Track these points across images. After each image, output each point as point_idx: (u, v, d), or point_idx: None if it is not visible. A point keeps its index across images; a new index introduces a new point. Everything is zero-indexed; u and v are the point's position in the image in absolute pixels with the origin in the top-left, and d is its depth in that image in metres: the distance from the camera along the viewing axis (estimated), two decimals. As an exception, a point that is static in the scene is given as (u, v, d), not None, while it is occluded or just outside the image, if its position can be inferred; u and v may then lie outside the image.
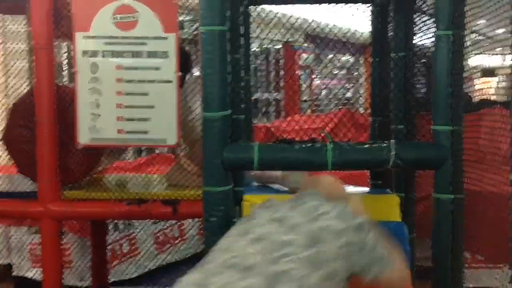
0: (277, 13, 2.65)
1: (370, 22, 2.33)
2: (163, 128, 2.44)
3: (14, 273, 4.16)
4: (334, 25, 3.46)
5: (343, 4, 2.43)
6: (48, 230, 2.51)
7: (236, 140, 2.08)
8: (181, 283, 1.34)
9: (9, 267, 4.19)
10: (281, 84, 10.08)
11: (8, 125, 2.63)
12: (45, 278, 2.52)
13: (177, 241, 4.49)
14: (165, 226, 4.35)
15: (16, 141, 2.60)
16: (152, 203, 2.46)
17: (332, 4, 2.45)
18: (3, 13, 3.36)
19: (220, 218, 1.96)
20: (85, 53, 2.43)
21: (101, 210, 2.53)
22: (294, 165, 1.73)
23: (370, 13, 2.33)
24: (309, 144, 1.73)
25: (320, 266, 1.31)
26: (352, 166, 1.72)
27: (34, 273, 4.13)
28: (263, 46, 8.78)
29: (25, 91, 2.68)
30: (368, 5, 2.32)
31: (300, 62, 10.62)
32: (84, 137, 2.47)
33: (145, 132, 2.46)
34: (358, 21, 2.48)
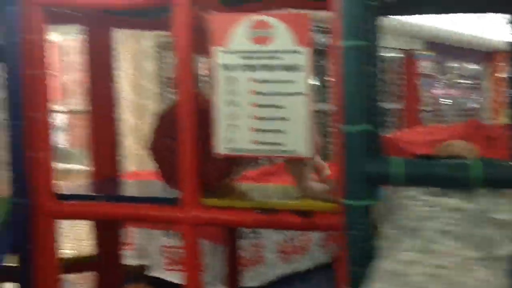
0: (397, 21, 2.60)
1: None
2: (296, 140, 2.48)
3: (149, 274, 4.42)
4: (457, 32, 3.34)
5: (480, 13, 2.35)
6: (189, 236, 2.63)
7: (375, 154, 2.07)
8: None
9: (144, 268, 4.47)
10: (401, 93, 9.83)
11: (154, 135, 2.80)
12: (187, 282, 2.63)
13: (301, 252, 4.53)
14: (290, 236, 4.41)
15: (161, 151, 2.77)
16: (285, 213, 2.50)
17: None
18: (140, 29, 3.61)
19: (362, 232, 1.96)
20: (222, 67, 2.54)
21: (238, 218, 2.61)
22: (440, 181, 1.69)
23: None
24: (455, 161, 1.68)
25: None
26: (505, 185, 1.64)
27: (167, 274, 4.37)
28: (383, 55, 8.62)
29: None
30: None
31: (421, 71, 10.28)
32: (221, 147, 2.58)
33: (279, 144, 2.51)
34: (484, 28, 2.38)
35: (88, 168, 3.33)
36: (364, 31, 2.01)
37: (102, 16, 3.10)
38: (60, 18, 3.00)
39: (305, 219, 2.42)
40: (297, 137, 2.48)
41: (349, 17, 2.00)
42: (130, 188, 3.25)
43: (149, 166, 2.96)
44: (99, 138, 3.27)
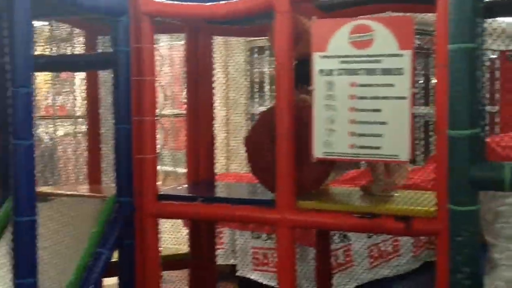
0: (491, 22, 2.54)
1: None
2: (396, 144, 2.48)
3: (238, 274, 4.53)
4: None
5: None
6: (284, 238, 2.68)
7: (480, 158, 2.04)
8: None
9: (233, 267, 4.58)
10: (495, 96, 9.44)
11: (253, 129, 2.88)
12: (281, 284, 2.68)
13: (391, 256, 4.48)
14: (380, 241, 4.37)
15: (256, 148, 2.84)
16: (384, 218, 2.50)
17: None
18: (237, 36, 3.72)
19: (467, 237, 1.93)
20: (321, 72, 2.58)
21: (333, 221, 2.64)
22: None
23: None
24: None
25: None
26: None
27: (256, 275, 4.45)
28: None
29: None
30: None
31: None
32: (318, 151, 2.61)
33: (377, 148, 2.52)
34: None
35: (185, 171, 3.47)
36: (471, 34, 1.99)
37: (204, 25, 3.23)
38: (164, 27, 3.15)
39: (405, 224, 2.41)
40: (396, 141, 2.47)
41: (457, 19, 1.98)
42: (226, 190, 3.35)
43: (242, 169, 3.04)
44: (196, 141, 3.40)
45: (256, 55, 5.95)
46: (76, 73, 5.08)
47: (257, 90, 6.15)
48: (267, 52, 5.72)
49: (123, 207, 2.90)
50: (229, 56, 5.46)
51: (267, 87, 5.98)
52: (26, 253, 2.38)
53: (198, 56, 3.30)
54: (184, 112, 3.48)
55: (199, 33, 3.33)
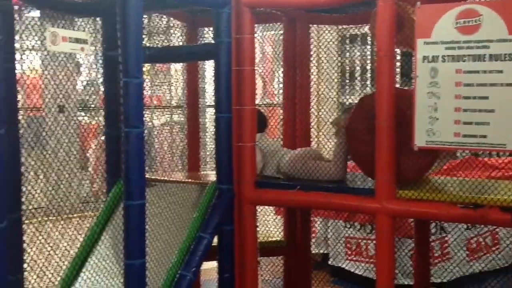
0: None
1: None
2: (503, 133, 2.39)
3: (330, 262, 4.53)
4: None
5: None
6: (383, 227, 2.66)
7: None
8: None
9: (326, 256, 4.59)
10: None
11: (349, 125, 2.88)
12: (379, 273, 2.67)
13: (489, 250, 4.32)
14: (478, 233, 4.23)
15: (355, 141, 2.83)
16: (489, 209, 2.42)
17: None
18: (333, 24, 3.69)
19: None
20: (425, 58, 2.52)
21: (434, 211, 2.59)
22: None
23: None
24: None
25: None
26: None
27: (348, 264, 4.43)
28: None
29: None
30: None
31: None
32: (420, 140, 2.57)
33: (483, 137, 2.44)
34: None
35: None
36: None
37: (302, 14, 3.25)
38: (260, 18, 3.20)
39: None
40: (504, 130, 2.39)
41: None
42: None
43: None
44: (293, 130, 3.43)
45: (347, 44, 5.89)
46: (171, 64, 5.26)
47: (348, 80, 6.09)
48: (359, 40, 5.64)
49: (223, 193, 2.99)
50: (320, 46, 5.45)
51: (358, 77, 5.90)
52: (136, 235, 2.51)
53: (296, 45, 3.32)
54: (275, 102, 3.52)
55: (296, 23, 3.35)
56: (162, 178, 3.46)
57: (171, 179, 3.44)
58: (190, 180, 3.39)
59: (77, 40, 2.38)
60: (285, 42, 3.37)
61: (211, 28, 3.92)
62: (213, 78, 2.97)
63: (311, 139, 3.54)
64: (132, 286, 2.50)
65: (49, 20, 2.69)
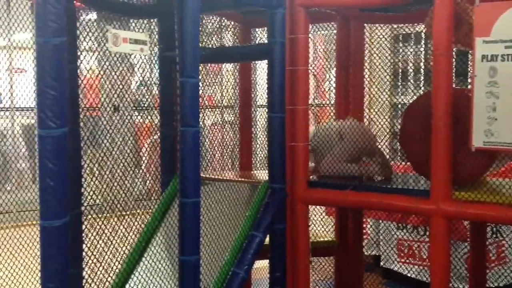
0: None
1: None
2: None
3: (381, 264, 4.49)
4: None
5: None
6: (438, 229, 2.62)
7: None
8: None
9: (377, 258, 4.54)
10: None
11: (403, 125, 2.85)
12: (433, 277, 2.63)
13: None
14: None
15: (410, 141, 2.80)
16: (551, 212, 2.35)
17: None
18: (387, 23, 3.66)
19: None
20: (484, 57, 2.47)
21: (492, 213, 2.53)
22: None
23: None
24: None
25: None
26: None
27: (400, 267, 4.38)
28: None
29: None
30: None
31: None
32: (478, 140, 2.51)
33: (543, 138, 2.37)
34: None
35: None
36: None
37: (356, 13, 3.23)
38: (313, 17, 3.20)
39: None
40: None
41: None
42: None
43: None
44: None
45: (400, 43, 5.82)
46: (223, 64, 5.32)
47: (401, 79, 6.01)
48: (412, 39, 5.56)
49: (276, 193, 3.00)
50: (372, 45, 5.40)
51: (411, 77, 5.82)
52: (191, 232, 2.55)
53: (350, 45, 3.31)
54: (326, 102, 3.51)
55: (350, 22, 3.33)
56: (214, 176, 3.51)
57: (223, 177, 3.48)
58: (242, 179, 3.42)
59: (137, 41, 2.44)
60: (339, 42, 3.36)
61: (264, 28, 3.96)
62: (264, 78, 2.98)
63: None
64: (187, 282, 2.55)
65: (105, 21, 2.77)
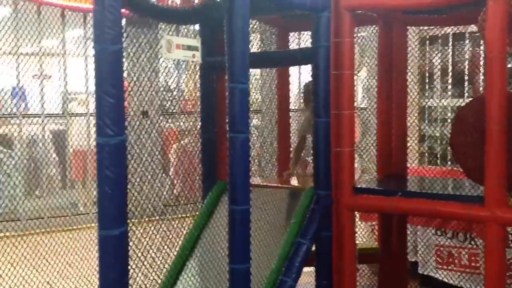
0: None
1: None
2: None
3: (419, 271, 4.40)
4: None
5: None
6: (493, 236, 2.55)
7: None
8: None
9: (415, 264, 4.46)
10: None
11: (455, 130, 2.79)
12: (488, 284, 2.56)
13: None
14: None
15: (461, 146, 2.74)
16: None
17: None
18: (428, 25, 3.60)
19: None
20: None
21: (550, 220, 2.46)
22: None
23: None
24: None
25: None
26: None
27: (439, 274, 4.30)
28: None
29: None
30: None
31: None
32: (535, 145, 2.45)
33: None
34: None
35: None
36: None
37: (398, 15, 3.18)
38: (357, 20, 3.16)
39: None
40: None
41: None
42: (421, 185, 3.27)
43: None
44: (388, 134, 3.36)
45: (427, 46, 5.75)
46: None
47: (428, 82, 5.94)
48: (439, 42, 5.50)
49: (321, 199, 2.95)
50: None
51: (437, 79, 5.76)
52: (240, 240, 2.51)
53: (393, 47, 3.26)
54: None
55: (392, 25, 3.28)
56: (255, 183, 3.47)
57: (264, 183, 3.44)
58: (283, 185, 3.38)
59: (190, 47, 2.41)
60: (381, 45, 3.31)
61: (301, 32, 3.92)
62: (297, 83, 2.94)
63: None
64: (238, 291, 2.51)
65: (133, 26, 2.75)
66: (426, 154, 6.08)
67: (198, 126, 3.27)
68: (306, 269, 3.09)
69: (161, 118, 6.17)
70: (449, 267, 4.24)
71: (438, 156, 5.82)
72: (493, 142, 2.52)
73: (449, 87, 6.05)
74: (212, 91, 3.10)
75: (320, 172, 2.96)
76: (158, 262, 3.22)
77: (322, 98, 2.89)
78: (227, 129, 3.05)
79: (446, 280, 4.24)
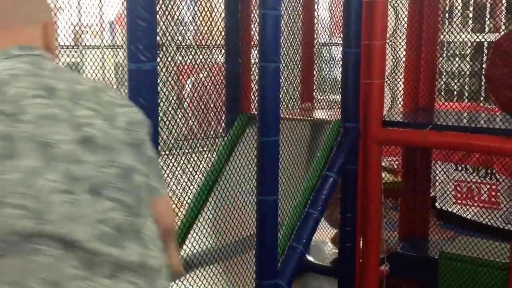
0: None
1: None
2: None
3: (437, 205, 4.41)
4: None
5: None
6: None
7: None
8: None
9: (433, 199, 4.46)
10: None
11: (490, 62, 2.70)
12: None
13: None
14: None
15: (497, 79, 2.66)
16: None
17: None
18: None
19: None
20: None
21: None
22: None
23: None
24: None
25: None
26: None
27: (456, 208, 4.31)
28: None
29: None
30: None
31: None
32: None
33: None
34: None
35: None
36: None
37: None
38: None
39: None
40: None
41: None
42: (451, 118, 3.20)
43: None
44: (417, 65, 3.27)
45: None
46: None
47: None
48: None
49: (349, 132, 2.90)
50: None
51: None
52: (270, 171, 2.47)
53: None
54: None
55: None
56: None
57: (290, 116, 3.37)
58: (312, 117, 3.31)
59: None
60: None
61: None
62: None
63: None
64: (265, 222, 2.49)
65: None
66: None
67: (214, 59, 3.18)
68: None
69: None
70: (468, 202, 4.24)
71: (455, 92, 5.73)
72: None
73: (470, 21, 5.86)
74: (237, 21, 2.99)
75: (349, 105, 2.89)
76: (179, 195, 3.21)
77: (352, 28, 2.78)
78: (251, 60, 2.97)
79: (464, 215, 4.25)
